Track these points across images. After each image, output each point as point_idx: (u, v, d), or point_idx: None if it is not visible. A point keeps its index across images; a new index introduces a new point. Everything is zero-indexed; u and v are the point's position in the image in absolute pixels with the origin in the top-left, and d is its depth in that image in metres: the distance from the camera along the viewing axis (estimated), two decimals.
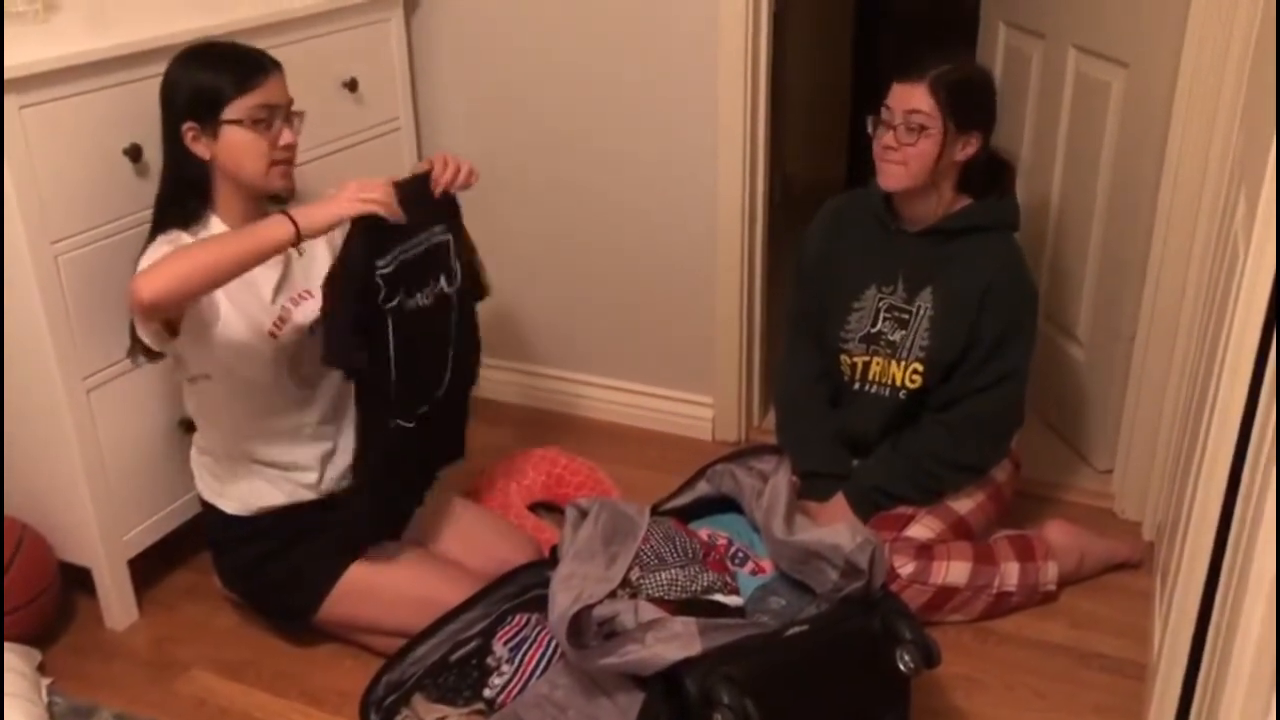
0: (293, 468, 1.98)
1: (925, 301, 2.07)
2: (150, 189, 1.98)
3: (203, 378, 1.90)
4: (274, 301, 1.91)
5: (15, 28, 1.98)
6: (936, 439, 2.08)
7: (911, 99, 1.95)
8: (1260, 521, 0.99)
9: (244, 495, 1.97)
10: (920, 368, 2.07)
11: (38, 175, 1.80)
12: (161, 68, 1.96)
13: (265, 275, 1.90)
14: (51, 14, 2.07)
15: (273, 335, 1.89)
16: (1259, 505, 1.04)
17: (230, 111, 1.79)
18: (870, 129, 2.03)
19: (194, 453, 2.03)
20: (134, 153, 1.93)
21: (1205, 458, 1.44)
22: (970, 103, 1.98)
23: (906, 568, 1.98)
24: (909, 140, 1.96)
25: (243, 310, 1.85)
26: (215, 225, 1.87)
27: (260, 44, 2.14)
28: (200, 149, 1.82)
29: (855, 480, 2.14)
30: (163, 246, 1.79)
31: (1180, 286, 2.14)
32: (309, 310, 1.94)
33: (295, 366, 1.95)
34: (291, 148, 1.87)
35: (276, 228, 1.69)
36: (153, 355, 1.87)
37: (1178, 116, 2.08)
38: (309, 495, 2.00)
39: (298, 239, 1.70)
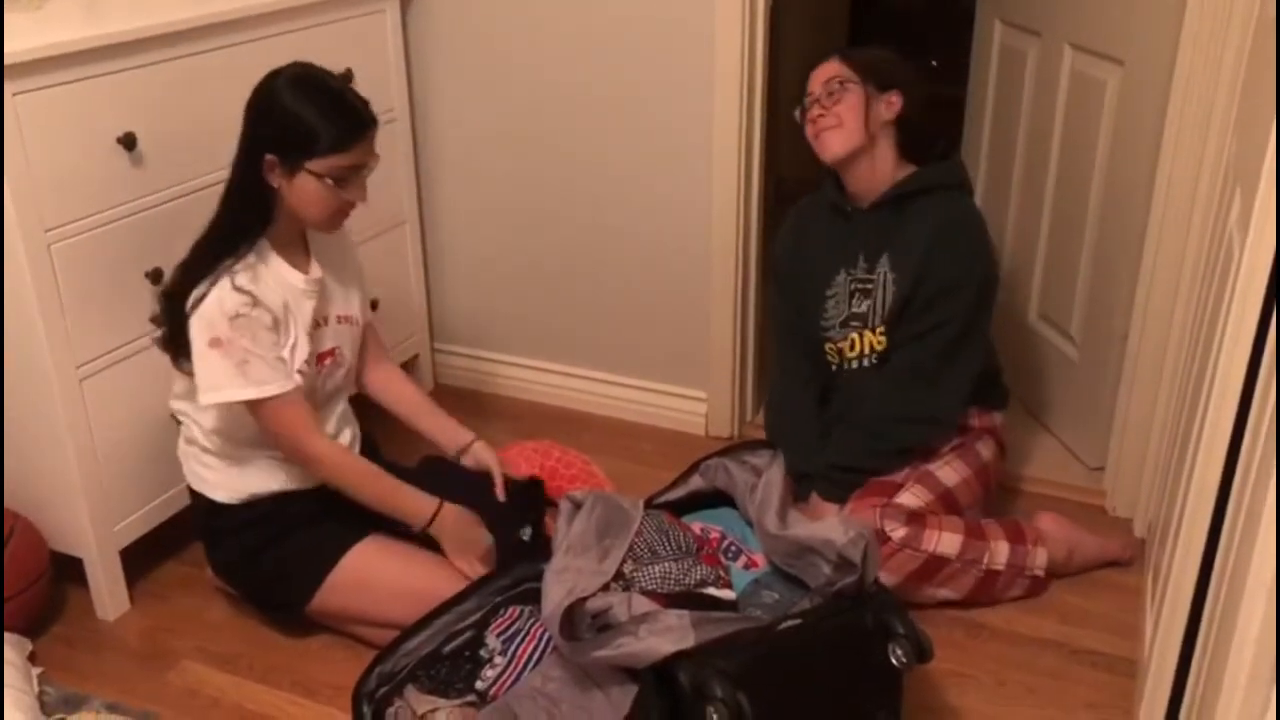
0: (282, 459, 1.98)
1: (884, 268, 2.10)
2: (144, 176, 1.98)
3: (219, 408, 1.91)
4: (310, 337, 1.92)
5: (10, 15, 1.97)
6: (877, 397, 2.11)
7: (825, 71, 2.10)
8: (1258, 519, 1.00)
9: (234, 482, 1.97)
10: (883, 328, 2.10)
11: (31, 163, 1.79)
12: (156, 55, 1.97)
13: (305, 306, 1.90)
14: (46, 1, 2.06)
15: (301, 374, 1.90)
16: (1255, 503, 1.04)
17: (315, 164, 1.77)
18: (799, 118, 2.12)
19: (181, 443, 2.02)
20: (128, 141, 1.92)
21: (1199, 455, 1.45)
22: (881, 64, 2.09)
23: (898, 532, 1.98)
24: (831, 103, 2.06)
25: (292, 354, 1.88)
26: (265, 250, 1.86)
27: (255, 33, 2.15)
28: (273, 179, 1.80)
29: (815, 466, 2.15)
30: (217, 323, 1.76)
31: (1174, 284, 2.15)
32: (323, 338, 1.96)
33: (310, 396, 1.96)
34: (357, 203, 1.87)
35: (417, 515, 1.92)
36: (182, 366, 1.87)
37: (1173, 114, 2.08)
38: (300, 485, 1.99)
39: (423, 531, 1.93)
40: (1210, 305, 1.66)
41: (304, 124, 1.76)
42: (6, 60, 1.71)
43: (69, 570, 2.08)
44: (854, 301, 2.14)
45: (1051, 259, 2.60)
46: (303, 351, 1.90)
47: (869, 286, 2.12)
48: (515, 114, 2.66)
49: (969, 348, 2.10)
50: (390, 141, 2.62)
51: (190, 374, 1.84)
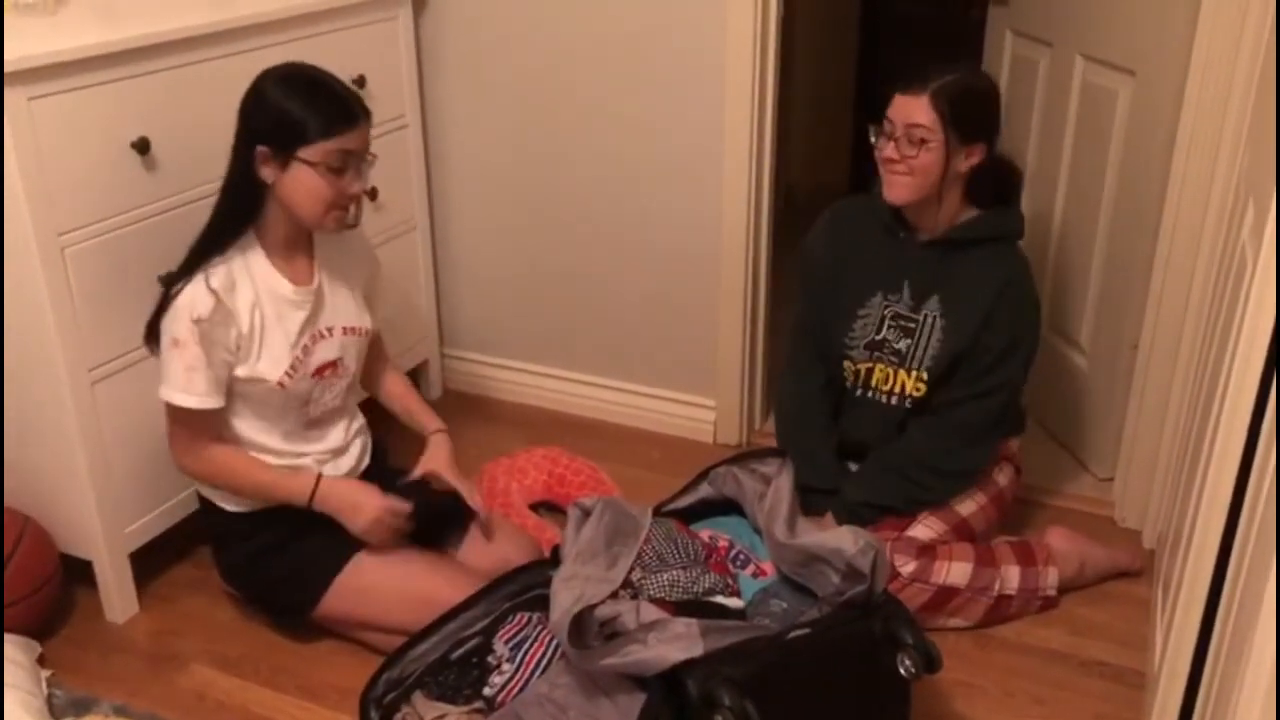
0: (290, 468, 1.99)
1: (932, 311, 2.07)
2: (157, 181, 1.99)
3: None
4: (295, 344, 1.91)
5: (24, 19, 1.98)
6: (922, 447, 2.08)
7: (913, 112, 1.94)
8: (1271, 533, 0.99)
9: None
10: (926, 377, 2.07)
11: (45, 167, 1.80)
12: (170, 61, 1.97)
13: (292, 316, 1.90)
14: (60, 6, 2.07)
15: (282, 386, 1.90)
16: (1268, 516, 1.04)
17: (307, 152, 1.77)
18: (872, 138, 2.02)
19: None
20: (142, 145, 1.93)
21: (1209, 467, 1.44)
22: (973, 114, 1.96)
23: (908, 566, 1.98)
24: (910, 153, 1.95)
25: (261, 363, 1.88)
26: (253, 253, 1.87)
27: (269, 39, 2.16)
28: (266, 173, 1.80)
29: (842, 496, 2.13)
30: (182, 324, 1.78)
31: (1185, 295, 2.14)
32: (325, 350, 1.96)
33: (302, 410, 1.97)
34: (356, 196, 1.86)
35: (299, 494, 1.92)
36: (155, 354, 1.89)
37: (1184, 125, 2.08)
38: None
39: (308, 505, 1.92)
40: (1223, 315, 1.65)
41: (291, 114, 1.77)
42: (23, 65, 1.72)
43: (78, 573, 2.09)
44: (889, 332, 2.10)
45: (1061, 268, 2.60)
46: (282, 361, 1.89)
47: (911, 325, 2.08)
48: (526, 121, 2.66)
49: (1013, 404, 2.11)
50: (401, 147, 2.63)
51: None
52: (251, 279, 1.87)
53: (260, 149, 1.78)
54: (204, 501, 2.03)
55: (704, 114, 2.47)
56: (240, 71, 2.10)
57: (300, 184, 1.80)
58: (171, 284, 1.83)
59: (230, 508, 1.98)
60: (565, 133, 2.63)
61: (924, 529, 2.06)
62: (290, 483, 1.93)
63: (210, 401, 1.84)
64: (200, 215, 2.02)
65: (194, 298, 1.79)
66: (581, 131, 2.62)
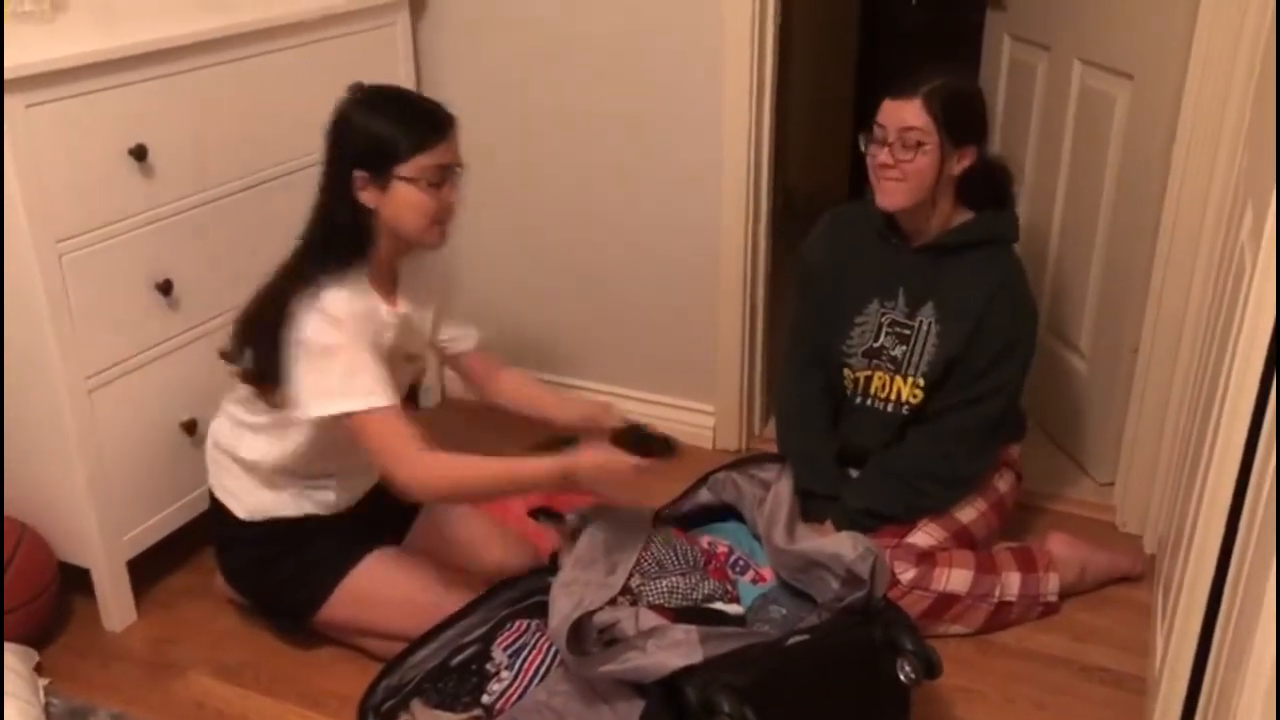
0: (314, 488, 1.98)
1: (927, 317, 2.06)
2: (155, 188, 1.99)
3: (293, 427, 1.86)
4: (384, 365, 1.87)
5: (22, 27, 1.99)
6: (921, 453, 2.08)
7: (906, 116, 1.93)
8: (1271, 535, 0.99)
9: (260, 504, 1.97)
10: (923, 383, 2.07)
11: (43, 174, 1.80)
12: (167, 68, 1.98)
13: (384, 338, 1.87)
14: (58, 13, 2.08)
15: None
16: (1268, 519, 1.04)
17: (405, 169, 1.75)
18: (863, 146, 2.02)
19: (210, 447, 2.02)
20: (139, 152, 1.93)
21: (1210, 471, 1.44)
22: (964, 117, 1.96)
23: (907, 574, 1.97)
24: (905, 158, 1.94)
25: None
26: (363, 284, 1.82)
27: (266, 47, 2.16)
28: (367, 198, 1.78)
29: (843, 504, 2.12)
30: (327, 330, 1.72)
31: (1184, 298, 2.14)
32: (400, 373, 1.93)
33: None
34: (454, 207, 1.84)
35: (549, 476, 1.78)
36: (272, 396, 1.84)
37: (1183, 128, 2.08)
38: (321, 512, 1.99)
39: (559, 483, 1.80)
40: (1222, 318, 1.65)
41: (381, 136, 1.75)
42: (21, 72, 1.72)
43: (76, 581, 2.08)
44: (885, 338, 2.10)
45: (1061, 272, 2.59)
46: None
47: (906, 332, 2.08)
48: (525, 127, 2.66)
49: (1011, 410, 2.10)
50: None
51: (279, 405, 1.82)
52: (363, 304, 1.82)
53: (358, 174, 1.76)
54: (215, 504, 2.02)
55: (702, 117, 2.47)
56: (238, 79, 2.12)
57: (403, 202, 1.78)
58: (269, 318, 1.77)
59: (244, 516, 1.97)
60: (564, 137, 2.63)
61: (924, 536, 2.05)
62: (536, 471, 1.80)
63: (378, 399, 1.74)
64: (199, 221, 2.03)
65: (324, 304, 1.75)
66: (580, 135, 2.62)
